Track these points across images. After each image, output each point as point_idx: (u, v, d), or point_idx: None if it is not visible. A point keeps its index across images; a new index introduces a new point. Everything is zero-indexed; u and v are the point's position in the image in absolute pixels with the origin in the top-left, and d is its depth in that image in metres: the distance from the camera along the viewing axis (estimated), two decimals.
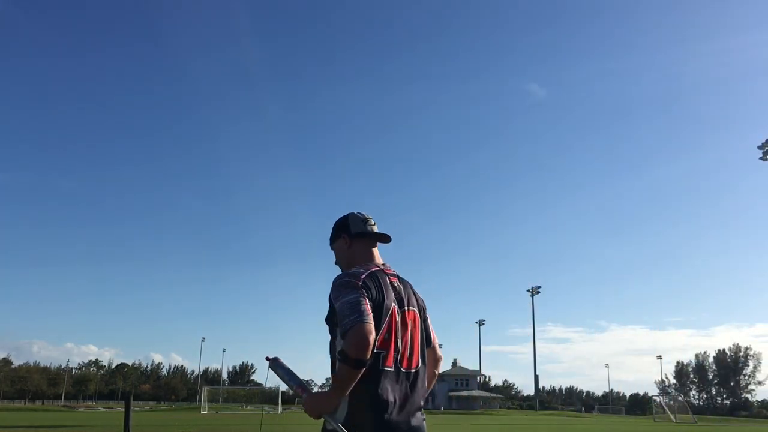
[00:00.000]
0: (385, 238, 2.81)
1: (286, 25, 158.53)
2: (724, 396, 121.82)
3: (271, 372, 2.63)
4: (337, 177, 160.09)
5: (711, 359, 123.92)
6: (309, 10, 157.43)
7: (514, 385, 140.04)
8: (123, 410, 17.68)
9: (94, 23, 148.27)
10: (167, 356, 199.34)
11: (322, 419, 2.39)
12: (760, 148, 40.13)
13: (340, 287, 2.44)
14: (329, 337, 2.53)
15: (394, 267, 2.95)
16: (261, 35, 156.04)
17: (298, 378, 2.60)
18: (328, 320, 2.50)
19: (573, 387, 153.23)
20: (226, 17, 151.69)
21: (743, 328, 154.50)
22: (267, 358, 2.66)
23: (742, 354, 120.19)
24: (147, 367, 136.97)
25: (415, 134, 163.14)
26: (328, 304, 2.50)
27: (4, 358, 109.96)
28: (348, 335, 2.26)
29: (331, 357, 2.48)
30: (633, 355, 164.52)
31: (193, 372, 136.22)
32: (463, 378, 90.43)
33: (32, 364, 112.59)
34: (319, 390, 2.60)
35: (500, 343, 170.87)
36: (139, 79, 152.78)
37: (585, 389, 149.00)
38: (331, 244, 2.85)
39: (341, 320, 2.32)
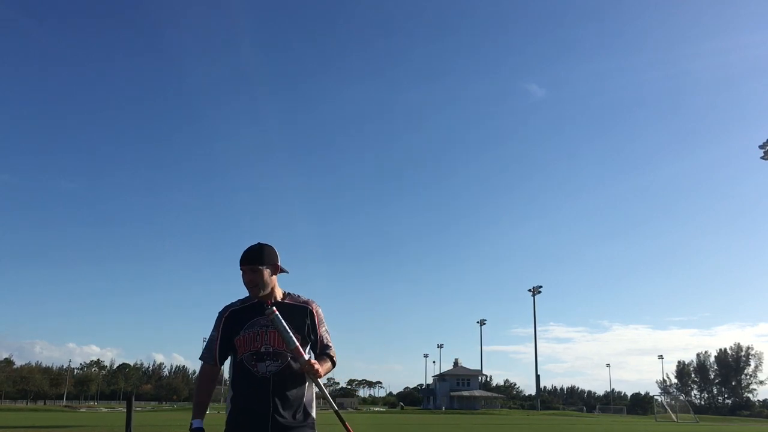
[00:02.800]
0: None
1: (285, 31, 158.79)
2: (726, 395, 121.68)
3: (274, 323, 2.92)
4: (337, 179, 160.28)
5: (712, 359, 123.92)
6: (308, 17, 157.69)
7: (515, 384, 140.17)
8: (125, 410, 17.71)
9: (95, 30, 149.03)
10: (169, 356, 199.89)
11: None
12: (761, 147, 40.07)
13: (323, 313, 3.21)
14: (295, 337, 2.97)
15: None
16: (260, 41, 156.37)
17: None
18: (308, 333, 3.08)
19: (574, 387, 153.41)
20: (226, 23, 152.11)
21: (746, 327, 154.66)
22: (269, 304, 2.94)
23: (743, 353, 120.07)
24: (149, 367, 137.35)
25: (415, 137, 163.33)
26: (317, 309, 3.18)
27: (6, 359, 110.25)
28: (333, 348, 3.16)
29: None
30: (635, 355, 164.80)
31: (194, 372, 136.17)
32: (464, 378, 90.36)
33: (34, 365, 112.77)
34: None
35: (502, 342, 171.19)
36: (141, 84, 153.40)
37: (586, 389, 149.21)
38: (263, 264, 3.05)
39: (328, 340, 3.16)
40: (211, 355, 3.05)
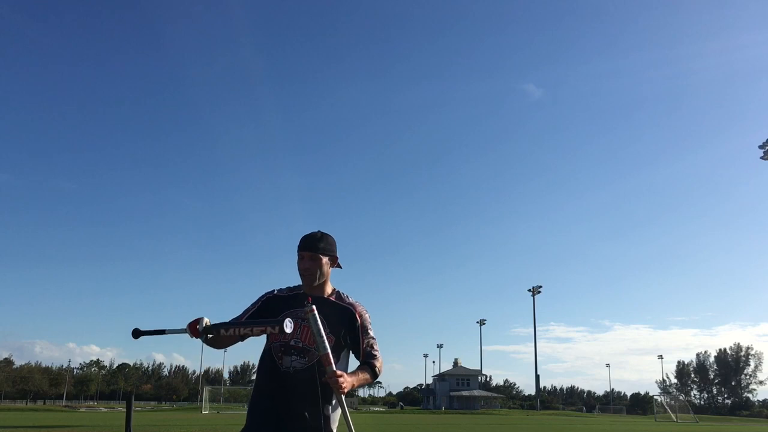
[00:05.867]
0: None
1: (285, 30, 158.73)
2: (725, 395, 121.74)
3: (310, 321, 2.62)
4: (336, 179, 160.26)
5: (712, 359, 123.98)
6: (308, 16, 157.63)
7: (515, 384, 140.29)
8: (124, 410, 17.70)
9: (95, 28, 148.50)
10: (169, 356, 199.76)
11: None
12: (761, 147, 40.10)
13: (370, 319, 2.98)
14: (338, 342, 2.84)
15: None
16: (260, 39, 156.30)
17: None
18: (345, 337, 2.88)
19: (574, 386, 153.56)
20: (225, 22, 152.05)
21: (747, 327, 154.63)
22: (309, 300, 2.65)
23: (743, 353, 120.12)
24: (148, 367, 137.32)
25: (416, 136, 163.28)
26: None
27: (5, 358, 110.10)
28: (381, 360, 2.89)
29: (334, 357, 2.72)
30: (636, 355, 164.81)
31: (194, 372, 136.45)
32: (464, 377, 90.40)
33: (34, 365, 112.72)
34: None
35: (502, 342, 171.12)
36: (140, 83, 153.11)
37: (586, 389, 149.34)
38: (324, 254, 2.92)
39: (374, 348, 2.90)
40: (239, 318, 2.88)
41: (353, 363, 2.95)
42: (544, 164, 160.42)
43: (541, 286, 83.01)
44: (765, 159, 39.72)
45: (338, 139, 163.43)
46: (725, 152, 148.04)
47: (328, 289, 2.96)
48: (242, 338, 2.70)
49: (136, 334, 2.59)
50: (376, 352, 2.89)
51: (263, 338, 2.90)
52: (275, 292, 2.99)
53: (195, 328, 2.54)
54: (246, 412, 2.92)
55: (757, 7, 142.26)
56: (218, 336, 2.61)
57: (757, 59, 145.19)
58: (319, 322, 2.62)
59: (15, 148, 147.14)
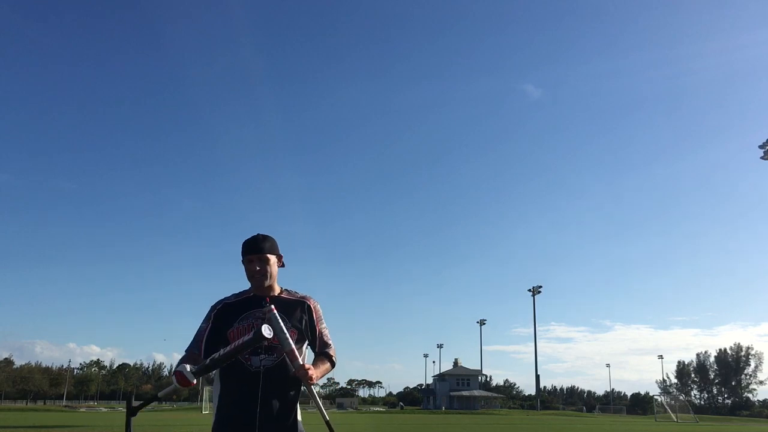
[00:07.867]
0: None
1: (285, 30, 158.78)
2: (725, 395, 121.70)
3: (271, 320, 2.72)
4: (336, 179, 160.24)
5: (712, 359, 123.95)
6: (308, 15, 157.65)
7: (515, 384, 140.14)
8: (124, 410, 17.69)
9: (95, 28, 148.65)
10: (169, 356, 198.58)
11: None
12: (761, 147, 40.09)
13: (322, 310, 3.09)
14: (294, 335, 2.86)
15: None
16: (260, 39, 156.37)
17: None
18: (305, 329, 2.97)
19: (574, 386, 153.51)
20: (225, 22, 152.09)
21: (748, 327, 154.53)
22: (267, 301, 2.84)
23: (743, 353, 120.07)
24: (149, 367, 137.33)
25: (416, 136, 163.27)
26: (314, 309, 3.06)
27: (6, 358, 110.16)
28: (334, 348, 3.03)
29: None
30: (636, 355, 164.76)
31: None
32: (464, 378, 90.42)
33: (34, 365, 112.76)
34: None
35: (502, 342, 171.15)
36: (140, 83, 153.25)
37: (586, 389, 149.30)
38: (271, 253, 3.01)
39: (328, 338, 3.02)
40: (197, 346, 2.92)
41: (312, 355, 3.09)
42: (544, 164, 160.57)
43: (541, 286, 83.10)
44: (765, 159, 39.71)
45: (338, 139, 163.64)
46: (725, 152, 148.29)
47: (277, 289, 3.02)
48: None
49: (134, 411, 2.74)
50: (329, 341, 3.03)
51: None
52: (223, 302, 3.01)
53: (184, 378, 2.66)
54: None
55: (757, 7, 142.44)
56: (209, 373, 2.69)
57: (757, 59, 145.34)
58: (280, 320, 2.72)
59: (15, 148, 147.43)
